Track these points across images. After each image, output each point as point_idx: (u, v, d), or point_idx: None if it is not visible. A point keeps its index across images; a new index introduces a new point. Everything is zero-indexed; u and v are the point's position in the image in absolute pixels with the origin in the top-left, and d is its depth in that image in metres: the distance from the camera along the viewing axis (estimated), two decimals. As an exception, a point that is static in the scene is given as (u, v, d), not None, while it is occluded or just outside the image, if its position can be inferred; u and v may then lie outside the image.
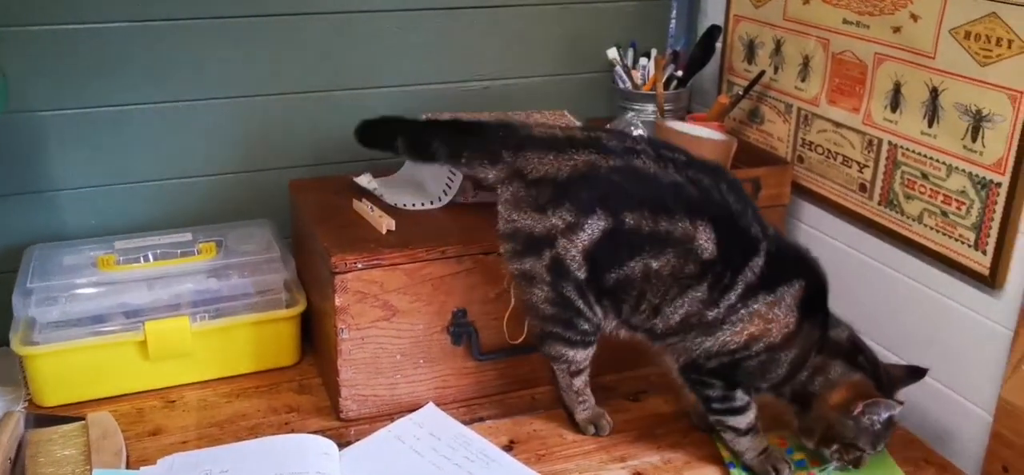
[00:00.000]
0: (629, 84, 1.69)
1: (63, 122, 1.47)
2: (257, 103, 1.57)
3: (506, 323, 1.36)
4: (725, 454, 1.26)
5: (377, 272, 1.28)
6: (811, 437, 1.20)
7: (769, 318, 1.16)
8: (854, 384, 1.16)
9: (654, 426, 1.34)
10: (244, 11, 1.51)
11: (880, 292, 1.40)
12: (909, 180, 1.33)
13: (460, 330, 1.35)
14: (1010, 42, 1.15)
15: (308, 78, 1.58)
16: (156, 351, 1.35)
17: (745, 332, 1.16)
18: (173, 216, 1.56)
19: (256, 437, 1.27)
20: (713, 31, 1.66)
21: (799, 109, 1.53)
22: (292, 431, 1.30)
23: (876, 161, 1.38)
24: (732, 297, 1.16)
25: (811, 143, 1.51)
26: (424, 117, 1.51)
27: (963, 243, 1.26)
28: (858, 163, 1.42)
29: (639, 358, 1.35)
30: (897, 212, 1.36)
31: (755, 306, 1.15)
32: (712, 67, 1.71)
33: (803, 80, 1.51)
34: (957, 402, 1.30)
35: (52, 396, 1.33)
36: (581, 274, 1.19)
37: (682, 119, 1.63)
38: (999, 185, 1.19)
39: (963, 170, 1.24)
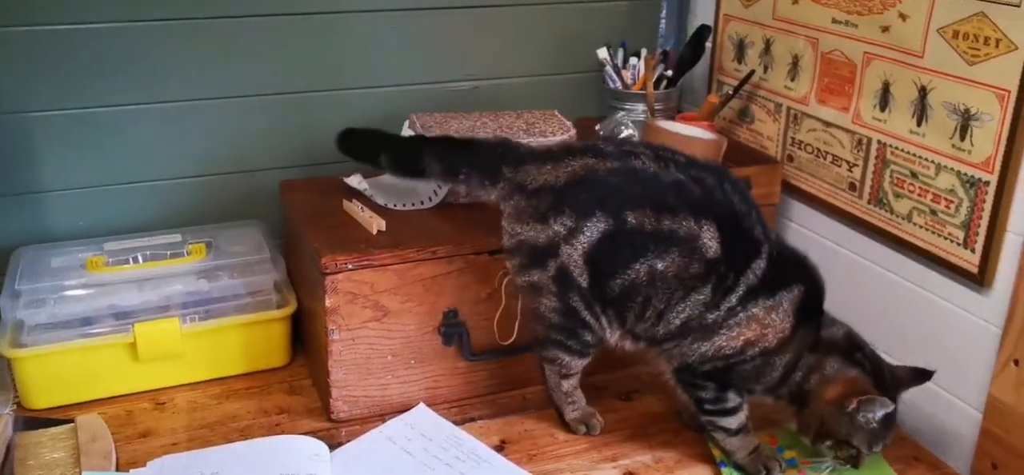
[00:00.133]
0: (619, 84, 1.69)
1: (51, 123, 1.46)
2: (247, 104, 1.56)
3: (497, 323, 1.36)
4: (716, 453, 1.27)
5: (368, 273, 1.28)
6: (807, 433, 1.20)
7: (766, 323, 1.15)
8: (850, 380, 1.15)
9: (645, 425, 1.34)
10: (233, 12, 1.50)
11: (870, 290, 1.41)
12: (898, 179, 1.33)
13: (451, 330, 1.34)
14: (998, 41, 1.16)
15: (298, 79, 1.58)
16: (146, 353, 1.35)
17: (741, 337, 1.15)
18: (163, 217, 1.56)
19: (247, 439, 1.27)
20: (703, 31, 1.67)
21: (789, 108, 1.53)
22: (283, 432, 1.29)
23: (865, 160, 1.39)
24: (733, 299, 1.15)
25: (801, 142, 1.51)
26: (407, 122, 1.50)
27: (952, 241, 1.26)
28: (847, 162, 1.42)
29: (630, 358, 1.35)
30: (886, 211, 1.36)
31: (753, 310, 1.15)
32: (702, 67, 1.71)
33: (793, 79, 1.52)
34: (947, 400, 1.30)
35: (41, 399, 1.33)
36: (583, 281, 1.18)
37: (672, 119, 1.63)
38: (987, 183, 1.20)
39: (952, 169, 1.25)
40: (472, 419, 1.35)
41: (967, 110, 1.21)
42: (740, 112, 1.65)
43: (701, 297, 1.15)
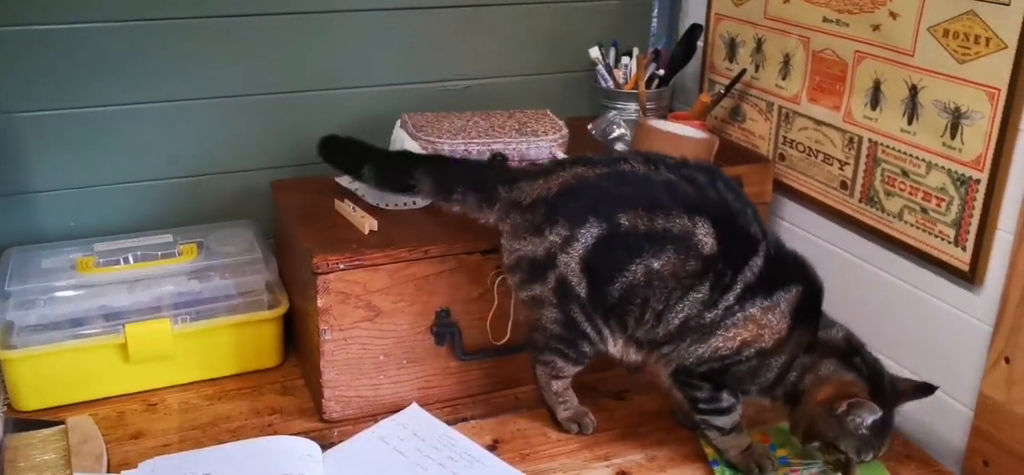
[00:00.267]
0: (611, 83, 1.69)
1: (41, 123, 1.45)
2: (239, 103, 1.56)
3: (489, 323, 1.36)
4: (709, 451, 1.27)
5: (359, 272, 1.28)
6: (797, 431, 1.19)
7: (763, 323, 1.14)
8: (843, 383, 1.14)
9: (638, 424, 1.34)
10: (224, 12, 1.50)
11: (861, 289, 1.41)
12: (889, 177, 1.34)
13: (443, 330, 1.34)
14: (987, 40, 1.16)
15: (289, 78, 1.58)
16: (137, 354, 1.34)
17: (738, 338, 1.15)
18: (153, 218, 1.55)
19: (239, 440, 1.26)
20: (694, 30, 1.67)
21: (780, 107, 1.54)
22: (275, 433, 1.29)
23: (857, 158, 1.39)
24: (730, 298, 1.14)
25: (792, 141, 1.52)
26: (398, 122, 1.50)
27: (943, 239, 1.27)
28: (839, 160, 1.43)
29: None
30: (878, 209, 1.37)
31: (751, 310, 1.14)
32: (693, 66, 1.71)
33: (784, 78, 1.52)
34: (938, 397, 1.30)
35: (31, 400, 1.32)
36: (582, 290, 1.18)
37: (664, 118, 1.63)
38: (978, 181, 1.20)
39: (942, 167, 1.25)
40: (465, 419, 1.34)
41: (958, 108, 1.22)
42: (732, 111, 1.65)
43: (699, 296, 1.15)
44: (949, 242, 1.26)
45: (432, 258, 1.30)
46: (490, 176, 1.24)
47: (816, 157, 1.47)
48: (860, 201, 1.40)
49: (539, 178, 1.21)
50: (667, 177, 1.18)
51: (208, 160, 1.57)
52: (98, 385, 1.35)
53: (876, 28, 1.32)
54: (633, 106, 1.65)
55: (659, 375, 1.26)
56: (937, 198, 1.27)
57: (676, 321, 1.17)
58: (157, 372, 1.37)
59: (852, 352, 1.16)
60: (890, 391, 1.16)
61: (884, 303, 1.38)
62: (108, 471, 1.19)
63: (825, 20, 1.41)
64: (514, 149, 1.44)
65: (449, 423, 1.32)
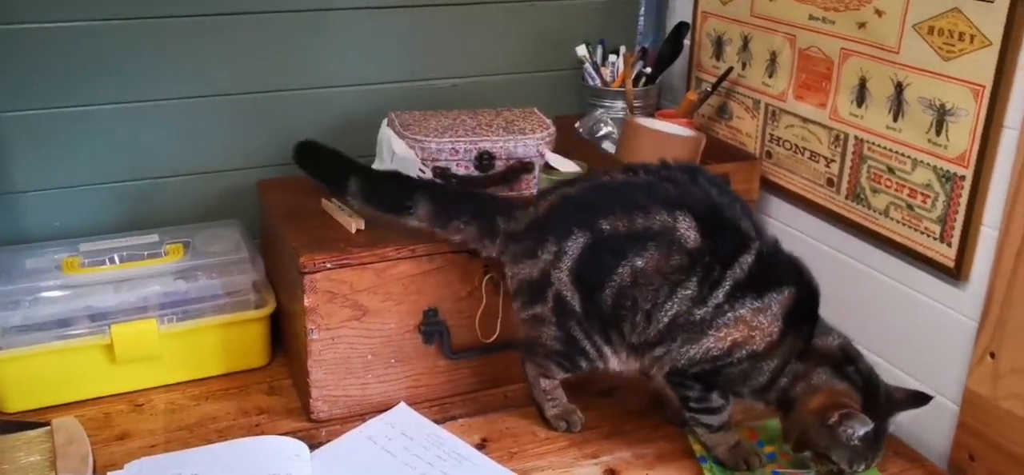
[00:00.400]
0: (598, 81, 1.69)
1: (25, 123, 1.44)
2: (224, 102, 1.55)
3: (478, 321, 1.36)
4: (696, 448, 1.27)
5: (346, 272, 1.27)
6: (789, 439, 1.18)
7: (753, 325, 1.14)
8: (836, 392, 1.12)
9: (625, 421, 1.34)
10: (208, 9, 1.49)
11: (847, 285, 1.42)
12: (875, 174, 1.34)
13: (431, 329, 1.34)
14: (972, 37, 1.17)
15: (275, 77, 1.57)
16: (123, 354, 1.33)
17: (729, 338, 1.14)
18: (139, 218, 1.54)
19: (226, 440, 1.26)
20: (681, 28, 1.67)
21: (767, 105, 1.54)
22: (263, 433, 1.29)
23: (843, 156, 1.40)
24: (720, 295, 1.14)
25: (779, 138, 1.52)
26: (385, 120, 1.50)
27: (929, 236, 1.27)
28: (825, 158, 1.43)
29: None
30: (864, 206, 1.37)
31: (741, 311, 1.13)
32: (680, 64, 1.71)
33: (770, 76, 1.52)
34: (924, 393, 1.31)
35: (16, 402, 1.31)
36: (577, 304, 1.19)
37: (651, 116, 1.63)
38: (963, 178, 1.21)
39: (928, 164, 1.26)
40: (453, 417, 1.34)
41: (943, 105, 1.22)
42: (719, 109, 1.66)
43: (688, 292, 1.15)
44: (935, 238, 1.26)
45: (419, 257, 1.30)
46: (491, 208, 1.26)
47: (803, 154, 1.48)
48: (846, 198, 1.40)
49: (530, 207, 1.25)
50: (646, 180, 1.20)
51: (194, 159, 1.56)
52: (84, 386, 1.34)
53: (862, 26, 1.33)
54: (620, 104, 1.66)
55: (654, 377, 1.26)
56: (923, 195, 1.27)
57: (665, 319, 1.16)
58: (143, 373, 1.37)
59: (846, 361, 1.15)
60: (885, 401, 1.15)
61: (870, 299, 1.39)
62: (94, 472, 1.18)
63: (811, 18, 1.42)
64: (501, 147, 1.44)
65: (437, 422, 1.32)
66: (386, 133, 1.47)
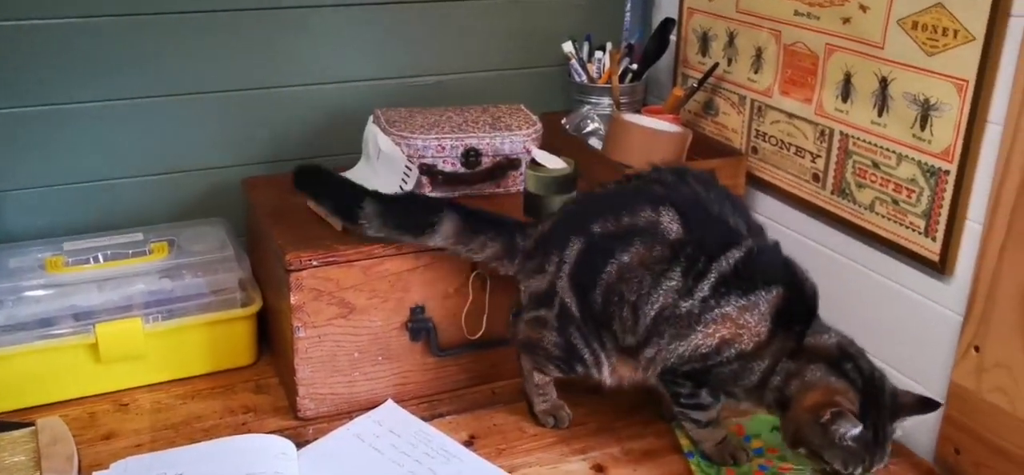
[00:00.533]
0: (585, 77, 1.69)
1: (7, 121, 1.43)
2: (209, 100, 1.54)
3: (464, 319, 1.36)
4: (684, 443, 1.27)
5: (333, 269, 1.27)
6: (785, 437, 1.14)
7: (741, 323, 1.13)
8: (830, 390, 1.09)
9: (614, 418, 1.34)
10: (193, 6, 1.48)
11: (833, 280, 1.42)
12: (860, 169, 1.35)
13: (418, 326, 1.34)
14: (955, 32, 1.17)
15: (260, 74, 1.56)
16: (108, 354, 1.33)
17: (717, 335, 1.14)
18: (124, 216, 1.53)
19: (212, 439, 1.25)
20: (667, 24, 1.68)
21: (752, 100, 1.54)
22: (249, 432, 1.28)
23: (828, 151, 1.40)
24: (705, 288, 1.13)
25: (765, 134, 1.53)
26: (371, 118, 1.49)
27: (914, 230, 1.28)
28: (811, 153, 1.44)
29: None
30: (849, 201, 1.38)
31: (727, 308, 1.13)
32: (667, 60, 1.72)
33: (756, 72, 1.53)
34: (909, 387, 1.31)
35: (0, 402, 1.30)
36: (575, 309, 1.21)
37: (638, 112, 1.63)
38: (948, 173, 1.22)
39: (913, 158, 1.26)
40: (440, 415, 1.34)
41: (927, 100, 1.23)
42: (705, 105, 1.66)
43: (672, 283, 1.15)
44: (919, 233, 1.27)
45: (405, 254, 1.30)
46: (512, 228, 1.28)
47: (788, 150, 1.48)
48: (832, 193, 1.41)
49: (539, 224, 1.28)
50: (636, 186, 1.24)
51: (179, 157, 1.55)
52: (68, 386, 1.33)
53: (846, 21, 1.33)
54: (607, 100, 1.66)
55: (651, 383, 1.25)
56: (907, 189, 1.28)
57: (652, 313, 1.16)
58: (128, 372, 1.36)
59: (844, 359, 1.11)
60: (890, 404, 1.10)
61: (856, 294, 1.39)
62: (79, 472, 1.17)
63: (796, 13, 1.42)
64: (488, 144, 1.44)
65: (425, 419, 1.32)
66: (372, 130, 1.47)
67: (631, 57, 1.69)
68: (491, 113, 1.53)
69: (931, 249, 1.26)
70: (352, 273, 1.28)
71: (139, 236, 1.46)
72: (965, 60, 1.17)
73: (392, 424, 1.30)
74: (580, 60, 1.70)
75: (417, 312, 1.33)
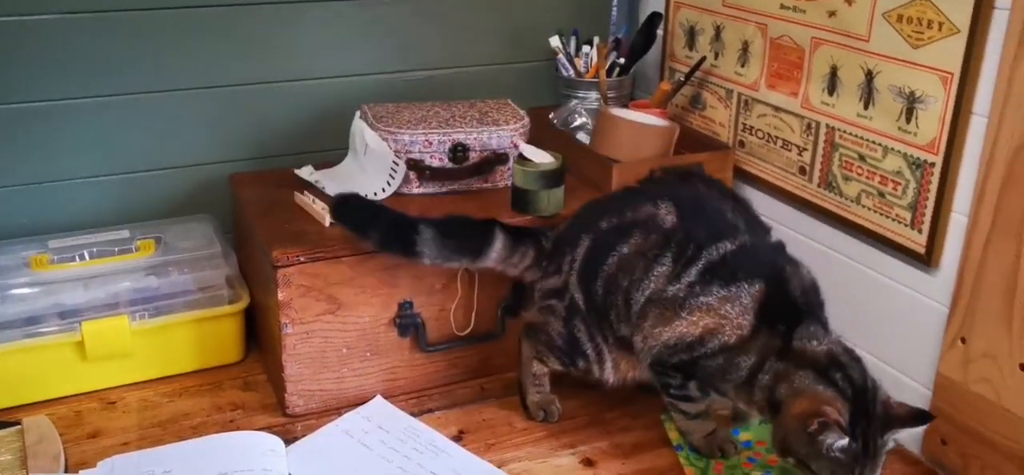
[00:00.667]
0: (572, 72, 1.69)
1: (-9, 119, 1.42)
2: (196, 96, 1.53)
3: (453, 314, 1.36)
4: (673, 436, 1.28)
5: (320, 265, 1.27)
6: (774, 443, 1.13)
7: (722, 314, 1.13)
8: (818, 399, 1.07)
9: (603, 411, 1.35)
10: (179, 3, 1.47)
11: (820, 272, 1.41)
12: (847, 162, 1.35)
13: (407, 322, 1.34)
14: (940, 25, 1.18)
15: (247, 70, 1.55)
16: (94, 352, 1.32)
17: (701, 323, 1.15)
18: (109, 213, 1.52)
19: (200, 436, 1.25)
20: (654, 18, 1.68)
21: (739, 94, 1.55)
22: (237, 429, 1.28)
23: (815, 144, 1.41)
24: (693, 273, 1.15)
25: (752, 128, 1.53)
26: (358, 113, 1.49)
27: (900, 223, 1.28)
28: (797, 146, 1.44)
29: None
30: (836, 194, 1.38)
31: (708, 298, 1.14)
32: (654, 54, 1.72)
33: (743, 65, 1.53)
34: (896, 378, 1.33)
35: (-15, 401, 1.30)
36: (581, 301, 1.24)
37: (625, 106, 1.64)
38: (933, 165, 1.22)
39: (898, 151, 1.27)
40: (430, 410, 1.34)
41: (912, 93, 1.23)
42: (692, 99, 1.66)
43: (663, 268, 1.18)
44: (905, 225, 1.28)
45: (394, 249, 1.30)
46: (538, 233, 1.32)
47: (775, 143, 1.48)
48: (819, 186, 1.41)
49: (558, 226, 1.33)
50: (641, 188, 1.30)
51: (165, 154, 1.54)
52: (55, 384, 1.33)
53: (832, 14, 1.34)
54: (594, 95, 1.66)
55: (647, 378, 1.25)
56: (893, 182, 1.28)
57: (642, 298, 1.19)
58: (115, 370, 1.35)
59: (834, 368, 1.09)
60: (881, 416, 1.07)
61: (843, 286, 1.39)
62: (66, 471, 1.17)
63: (782, 7, 1.42)
64: (475, 138, 1.44)
65: (414, 415, 1.32)
66: (359, 126, 1.47)
67: (618, 51, 1.69)
68: (478, 108, 1.53)
69: (917, 241, 1.26)
70: (340, 269, 1.28)
71: (125, 233, 1.45)
72: (950, 52, 1.17)
73: (381, 420, 1.30)
74: (567, 55, 1.70)
75: (405, 307, 1.33)
